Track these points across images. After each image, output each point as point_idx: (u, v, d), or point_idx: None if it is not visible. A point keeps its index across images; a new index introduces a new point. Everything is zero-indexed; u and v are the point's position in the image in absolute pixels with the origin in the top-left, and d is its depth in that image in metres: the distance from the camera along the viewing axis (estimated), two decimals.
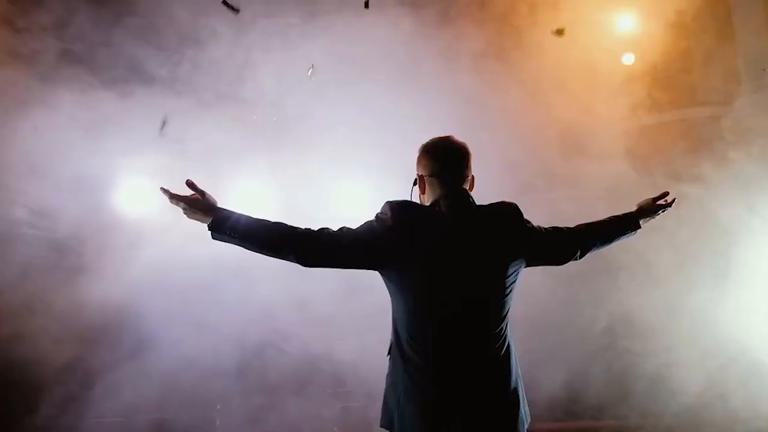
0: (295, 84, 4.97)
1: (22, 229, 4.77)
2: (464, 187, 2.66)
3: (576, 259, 2.83)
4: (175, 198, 2.45)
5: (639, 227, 3.00)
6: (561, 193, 4.84)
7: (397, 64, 4.79)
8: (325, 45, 4.97)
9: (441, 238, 2.52)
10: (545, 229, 2.74)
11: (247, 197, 5.34)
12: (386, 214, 2.53)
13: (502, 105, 4.61)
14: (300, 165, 5.28)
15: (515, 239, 2.60)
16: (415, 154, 2.71)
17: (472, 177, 2.72)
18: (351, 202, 5.04)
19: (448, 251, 2.51)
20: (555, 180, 4.87)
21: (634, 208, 3.03)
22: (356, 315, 4.64)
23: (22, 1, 3.84)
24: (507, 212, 2.65)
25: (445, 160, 2.66)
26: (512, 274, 2.60)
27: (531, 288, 4.53)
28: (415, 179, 2.73)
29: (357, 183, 5.15)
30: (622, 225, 2.97)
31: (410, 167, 2.80)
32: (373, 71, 4.76)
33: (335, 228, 2.52)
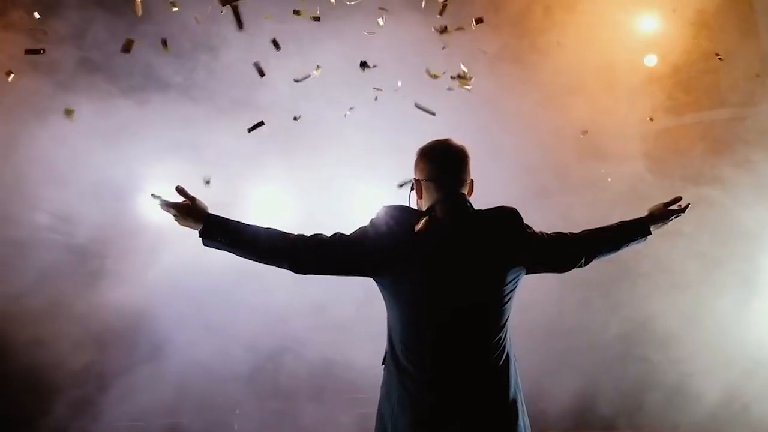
0: (309, 89, 4.96)
1: (44, 235, 4.83)
2: (462, 191, 2.58)
3: (580, 266, 2.71)
4: (165, 205, 2.43)
5: (649, 233, 2.84)
6: (577, 197, 4.77)
7: (410, 67, 4.76)
8: (337, 49, 4.97)
9: (436, 243, 2.43)
10: (547, 234, 2.64)
11: (264, 202, 5.39)
12: (380, 219, 2.47)
13: (518, 108, 4.57)
14: (316, 169, 5.28)
15: (514, 245, 2.51)
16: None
17: (471, 181, 2.64)
18: (369, 205, 5.01)
19: (444, 257, 2.43)
20: (571, 183, 4.80)
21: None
22: (373, 320, 4.60)
23: (41, 12, 3.90)
24: (506, 217, 2.55)
25: (442, 163, 2.57)
26: (511, 281, 2.51)
27: (548, 295, 4.53)
28: (412, 183, 2.65)
29: (374, 186, 5.12)
30: (631, 231, 2.82)
31: None
32: (387, 75, 4.73)
33: (329, 234, 2.46)
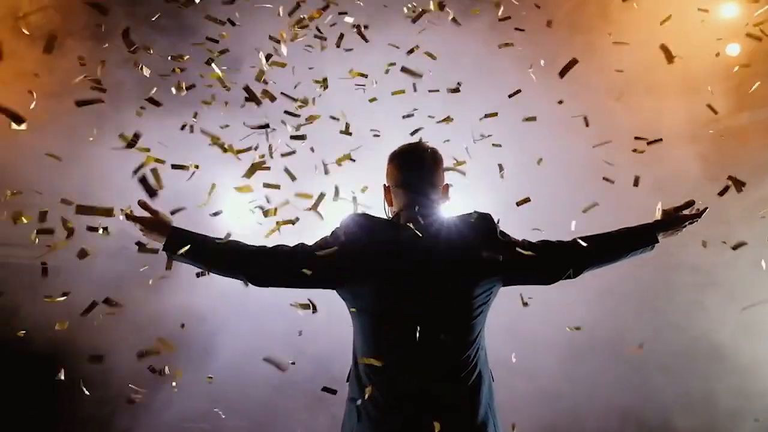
0: (362, 98, 4.95)
1: (111, 243, 5.07)
2: (432, 196, 2.47)
3: (570, 278, 2.49)
4: (130, 219, 2.48)
5: (656, 242, 2.56)
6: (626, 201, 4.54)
7: (459, 75, 4.68)
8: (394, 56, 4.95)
9: (397, 253, 2.32)
10: (530, 242, 2.48)
11: (330, 210, 5.46)
12: (341, 229, 2.40)
13: (569, 112, 4.39)
14: (372, 175, 5.27)
15: (486, 254, 2.35)
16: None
17: (446, 186, 2.54)
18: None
19: (405, 268, 2.30)
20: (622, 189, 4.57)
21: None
22: None
23: (96, 38, 4.11)
24: (477, 223, 2.41)
25: (409, 168, 2.49)
26: (482, 293, 2.36)
27: (586, 307, 4.34)
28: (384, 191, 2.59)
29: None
30: (634, 240, 2.55)
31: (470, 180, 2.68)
32: (436, 84, 4.66)
33: (291, 244, 2.44)
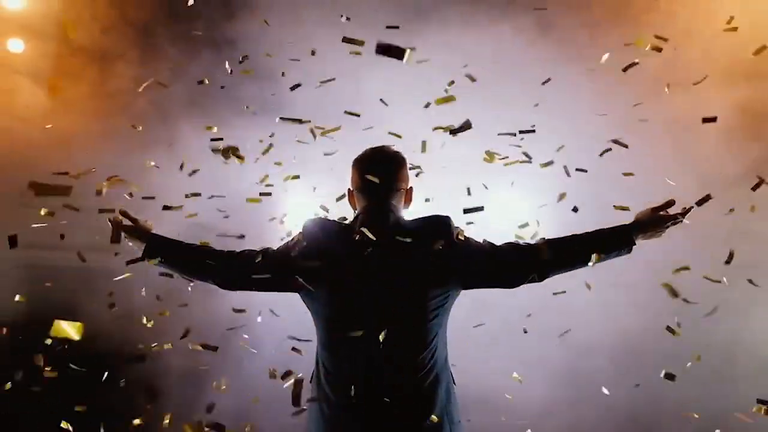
0: (404, 101, 4.96)
1: None
2: (392, 200, 2.51)
3: (534, 281, 2.46)
4: (114, 226, 2.62)
5: (633, 244, 2.47)
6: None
7: (503, 76, 4.61)
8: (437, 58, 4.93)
9: (351, 257, 2.38)
10: (491, 245, 2.48)
11: None
12: (300, 234, 2.48)
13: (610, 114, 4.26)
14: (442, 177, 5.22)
15: (440, 257, 2.37)
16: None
17: (408, 190, 2.58)
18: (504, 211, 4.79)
19: (358, 272, 2.37)
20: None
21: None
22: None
23: (143, 56, 4.30)
24: (432, 227, 2.45)
25: (368, 171, 2.53)
26: (438, 296, 2.39)
27: (620, 309, 4.16)
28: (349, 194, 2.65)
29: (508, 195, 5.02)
30: (609, 241, 2.45)
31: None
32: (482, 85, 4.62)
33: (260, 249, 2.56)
